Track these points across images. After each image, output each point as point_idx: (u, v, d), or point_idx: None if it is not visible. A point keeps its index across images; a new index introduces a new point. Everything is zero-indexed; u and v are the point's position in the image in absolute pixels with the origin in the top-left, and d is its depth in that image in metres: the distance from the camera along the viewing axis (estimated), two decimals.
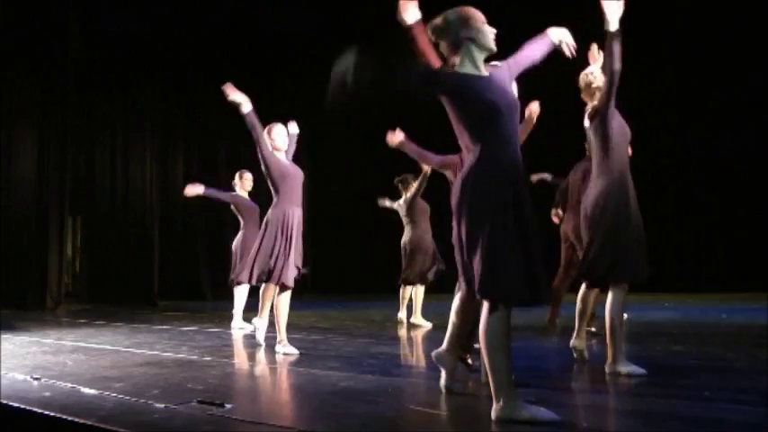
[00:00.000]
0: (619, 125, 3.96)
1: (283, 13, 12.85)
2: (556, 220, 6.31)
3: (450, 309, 3.46)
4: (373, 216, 8.83)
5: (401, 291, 7.35)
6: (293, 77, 13.71)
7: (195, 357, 4.91)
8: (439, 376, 3.50)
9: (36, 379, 3.95)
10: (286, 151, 5.32)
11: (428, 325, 6.99)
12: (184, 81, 12.46)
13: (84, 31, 11.15)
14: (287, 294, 5.07)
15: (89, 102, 11.56)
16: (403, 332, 6.69)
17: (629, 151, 4.21)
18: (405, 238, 7.27)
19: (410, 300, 7.30)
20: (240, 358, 5.07)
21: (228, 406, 3.14)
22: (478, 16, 3.03)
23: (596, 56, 4.18)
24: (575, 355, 4.38)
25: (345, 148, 14.09)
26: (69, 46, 10.88)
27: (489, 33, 3.01)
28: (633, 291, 11.65)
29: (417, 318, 7.16)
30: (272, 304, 5.11)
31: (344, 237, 12.48)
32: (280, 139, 5.22)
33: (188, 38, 12.29)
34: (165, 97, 12.33)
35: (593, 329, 5.19)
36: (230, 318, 7.14)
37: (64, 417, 3.02)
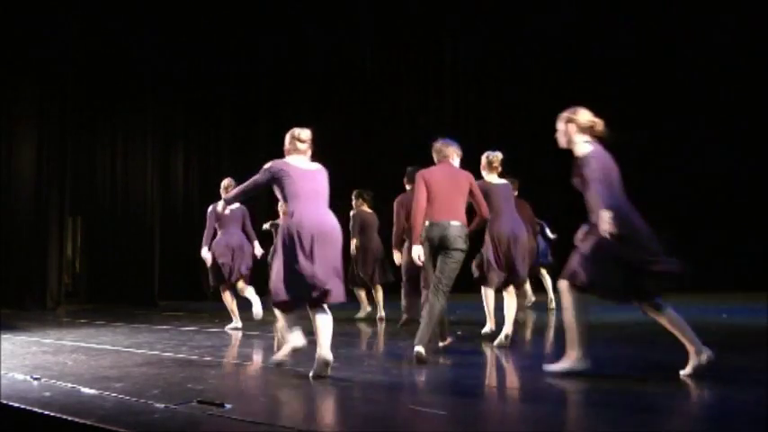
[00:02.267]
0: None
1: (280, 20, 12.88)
2: None
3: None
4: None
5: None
6: (292, 76, 13.71)
7: (195, 357, 4.91)
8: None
9: (36, 379, 3.94)
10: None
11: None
12: (185, 81, 12.46)
13: (84, 31, 11.15)
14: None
15: (89, 102, 11.55)
16: (403, 332, 6.69)
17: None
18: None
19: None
20: (240, 358, 5.07)
21: (228, 406, 3.14)
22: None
23: None
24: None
25: (343, 149, 14.13)
26: (70, 46, 10.87)
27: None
28: None
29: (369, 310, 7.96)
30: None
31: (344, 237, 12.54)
32: None
33: (188, 37, 12.29)
34: (165, 97, 12.32)
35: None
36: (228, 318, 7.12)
37: (64, 417, 3.02)
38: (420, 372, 4.31)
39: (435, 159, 5.00)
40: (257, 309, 6.66)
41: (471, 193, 4.86)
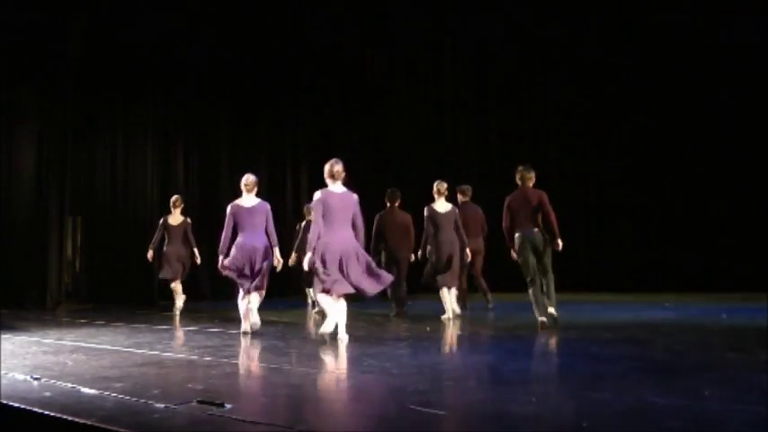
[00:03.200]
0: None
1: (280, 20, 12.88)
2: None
3: None
4: (370, 221, 9.49)
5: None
6: (292, 76, 13.71)
7: (195, 357, 4.91)
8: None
9: (36, 379, 3.94)
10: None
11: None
12: (185, 81, 12.46)
13: (84, 31, 11.15)
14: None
15: (89, 101, 11.53)
16: (403, 332, 6.70)
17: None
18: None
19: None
20: (240, 358, 5.07)
21: (228, 406, 3.14)
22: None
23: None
24: None
25: (341, 152, 14.18)
26: (70, 46, 10.87)
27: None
28: (634, 291, 11.72)
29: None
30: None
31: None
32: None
33: (188, 38, 12.29)
34: (165, 97, 12.32)
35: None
36: (237, 319, 7.13)
37: (64, 417, 3.02)
38: (420, 371, 4.31)
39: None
40: (180, 302, 9.18)
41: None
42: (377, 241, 8.19)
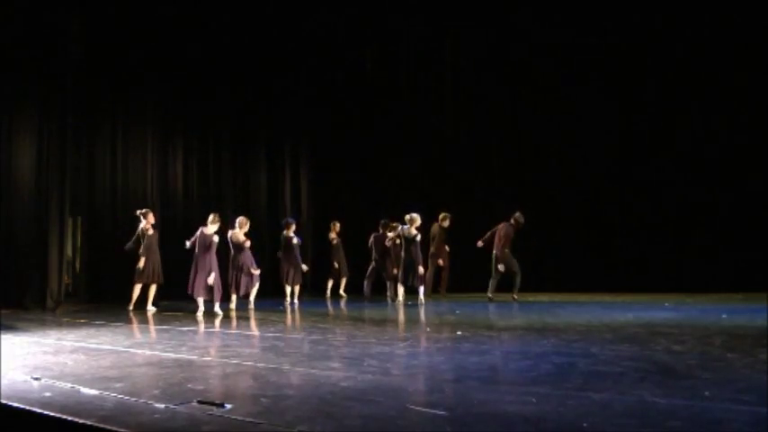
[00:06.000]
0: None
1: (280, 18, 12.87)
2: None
3: None
4: (369, 225, 10.88)
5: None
6: (292, 76, 13.72)
7: (195, 357, 4.91)
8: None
9: (36, 379, 3.94)
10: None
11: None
12: (185, 81, 12.46)
13: (84, 31, 11.14)
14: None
15: (89, 101, 11.54)
16: (402, 332, 6.70)
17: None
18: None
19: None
20: (240, 358, 5.06)
21: (228, 406, 3.14)
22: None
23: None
24: None
25: (342, 165, 14.21)
26: (70, 45, 10.87)
27: None
28: (634, 291, 11.73)
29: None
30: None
31: (344, 242, 12.69)
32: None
33: (188, 37, 12.29)
34: (165, 97, 12.32)
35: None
36: (237, 319, 7.11)
37: (64, 417, 3.02)
38: (420, 372, 4.31)
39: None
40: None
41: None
42: (371, 254, 11.62)
